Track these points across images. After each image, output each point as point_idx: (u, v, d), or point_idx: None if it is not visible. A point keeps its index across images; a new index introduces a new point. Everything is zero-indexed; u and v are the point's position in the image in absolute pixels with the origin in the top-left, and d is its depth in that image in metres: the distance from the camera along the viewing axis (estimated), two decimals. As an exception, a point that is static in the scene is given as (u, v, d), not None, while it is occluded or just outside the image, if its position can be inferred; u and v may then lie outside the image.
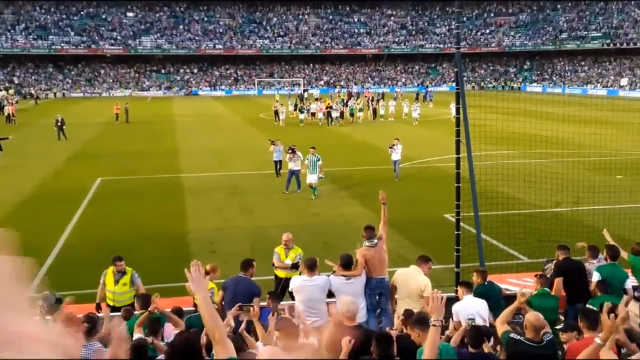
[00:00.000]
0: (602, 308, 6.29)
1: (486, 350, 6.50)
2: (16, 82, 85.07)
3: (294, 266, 11.00)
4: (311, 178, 21.29)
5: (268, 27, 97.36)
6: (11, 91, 77.14)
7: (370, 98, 55.12)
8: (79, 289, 11.53)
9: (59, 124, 37.79)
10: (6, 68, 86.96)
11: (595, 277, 9.05)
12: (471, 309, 7.87)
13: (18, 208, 20.88)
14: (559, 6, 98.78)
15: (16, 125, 46.10)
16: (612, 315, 5.56)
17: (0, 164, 27.69)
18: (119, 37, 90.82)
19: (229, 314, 7.24)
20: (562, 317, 8.65)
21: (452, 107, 40.56)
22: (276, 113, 45.40)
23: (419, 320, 6.16)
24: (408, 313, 7.61)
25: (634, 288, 9.62)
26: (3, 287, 1.11)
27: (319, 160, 21.34)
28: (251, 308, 7.32)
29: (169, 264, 13.71)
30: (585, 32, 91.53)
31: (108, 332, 6.34)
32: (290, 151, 22.33)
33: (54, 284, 13.72)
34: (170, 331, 7.93)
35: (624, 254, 10.00)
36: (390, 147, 24.26)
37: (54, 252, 16.03)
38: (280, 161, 24.27)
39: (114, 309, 10.07)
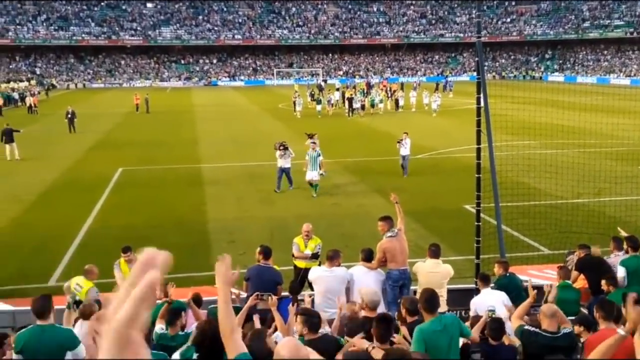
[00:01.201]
0: (625, 299, 6.21)
1: (507, 342, 6.46)
2: (38, 72, 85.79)
3: (314, 256, 11.01)
4: (311, 175, 20.24)
5: (287, 17, 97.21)
6: (33, 82, 77.81)
7: (390, 89, 54.82)
8: (101, 276, 11.62)
9: (69, 115, 36.89)
10: (28, 59, 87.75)
11: (621, 272, 8.87)
12: (490, 301, 7.83)
13: (42, 196, 21.14)
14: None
15: (38, 116, 46.50)
16: (637, 306, 5.48)
17: (17, 157, 27.83)
18: (138, 28, 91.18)
19: (247, 305, 7.24)
20: (584, 310, 8.56)
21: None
22: (295, 104, 44.78)
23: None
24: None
25: None
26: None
27: (319, 155, 20.31)
28: (269, 297, 7.31)
29: (189, 253, 13.79)
30: (608, 21, 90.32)
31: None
32: (281, 147, 20.77)
33: (77, 271, 13.89)
34: (192, 321, 7.96)
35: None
36: (399, 142, 23.33)
37: (77, 239, 16.23)
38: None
39: None
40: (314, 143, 21.16)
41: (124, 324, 1.20)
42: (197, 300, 8.63)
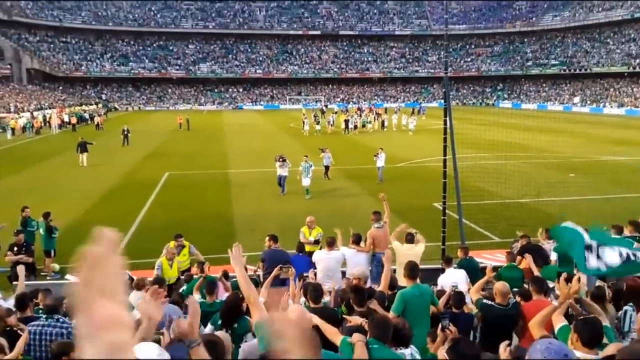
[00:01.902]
0: (559, 277, 6.19)
1: (466, 311, 6.45)
2: (104, 98, 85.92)
3: (316, 242, 11.00)
4: (305, 182, 19.94)
5: (297, 56, 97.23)
6: (100, 105, 77.96)
7: (377, 112, 54.76)
8: (151, 257, 11.61)
9: (125, 132, 36.75)
10: (96, 88, 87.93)
11: (554, 256, 8.89)
12: (453, 279, 7.81)
13: (105, 195, 21.17)
14: (525, 40, 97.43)
15: (103, 131, 46.63)
16: (567, 283, 5.48)
17: (86, 164, 27.87)
18: (182, 64, 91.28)
19: (272, 274, 7.26)
20: (526, 286, 8.52)
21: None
22: (303, 124, 44.13)
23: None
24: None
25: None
26: (108, 279, 1.02)
27: (311, 166, 20.19)
28: (289, 269, 7.39)
29: (220, 239, 13.78)
30: (547, 60, 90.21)
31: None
32: (280, 160, 20.66)
33: (133, 253, 13.90)
34: (222, 292, 7.96)
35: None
36: (375, 155, 22.95)
37: (132, 228, 16.23)
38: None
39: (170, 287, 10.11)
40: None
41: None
42: (226, 276, 8.67)
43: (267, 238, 9.44)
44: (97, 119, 51.68)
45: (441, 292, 7.24)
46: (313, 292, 5.70)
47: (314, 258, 9.19)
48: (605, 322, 4.57)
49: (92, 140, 30.12)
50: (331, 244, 9.12)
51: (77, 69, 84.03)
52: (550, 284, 7.23)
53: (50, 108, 62.62)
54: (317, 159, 23.16)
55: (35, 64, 76.44)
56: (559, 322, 4.54)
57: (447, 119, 10.97)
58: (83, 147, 28.10)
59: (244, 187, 22.12)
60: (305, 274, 8.09)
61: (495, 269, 8.20)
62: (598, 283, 6.98)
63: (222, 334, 4.79)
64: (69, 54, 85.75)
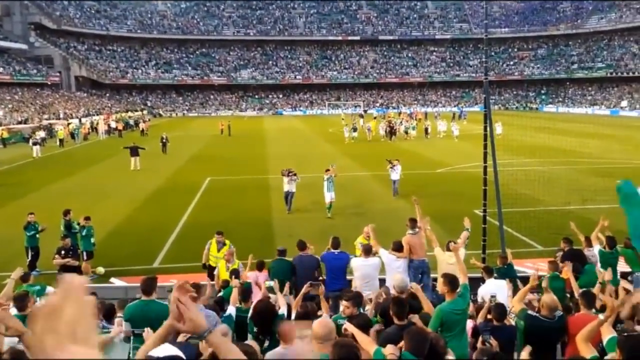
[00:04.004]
0: (605, 290, 5.99)
1: (508, 323, 6.29)
2: (149, 104, 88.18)
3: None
4: (328, 196, 18.01)
5: (336, 62, 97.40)
6: (145, 112, 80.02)
7: (417, 118, 53.38)
8: (195, 261, 11.81)
9: (163, 140, 36.30)
10: (141, 94, 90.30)
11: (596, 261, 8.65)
12: (493, 290, 7.64)
13: (151, 196, 21.74)
14: (570, 43, 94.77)
15: (148, 137, 47.72)
16: (613, 298, 5.30)
17: (139, 167, 28.75)
18: (224, 71, 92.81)
19: (302, 291, 7.21)
20: (568, 296, 8.26)
21: (498, 125, 38.52)
22: (354, 129, 42.09)
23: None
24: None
25: (625, 274, 9.26)
26: (78, 324, 1.03)
27: (332, 181, 18.09)
28: (320, 287, 7.36)
29: (258, 243, 13.91)
30: (593, 64, 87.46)
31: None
32: (289, 174, 18.55)
33: (176, 256, 14.18)
34: (257, 293, 8.04)
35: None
36: (391, 168, 21.01)
37: (176, 231, 16.57)
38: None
39: (213, 268, 10.56)
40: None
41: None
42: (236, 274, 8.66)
43: (297, 244, 9.64)
44: (142, 125, 53.03)
45: (481, 306, 7.08)
46: (354, 298, 5.68)
47: (352, 265, 9.16)
48: None
49: (143, 146, 30.90)
50: (368, 251, 9.07)
51: (123, 76, 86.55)
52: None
53: (97, 115, 64.71)
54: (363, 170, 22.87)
55: (84, 72, 79.19)
56: (608, 333, 4.39)
57: (487, 124, 10.77)
58: (134, 151, 29.02)
59: (283, 193, 22.18)
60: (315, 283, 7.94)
61: (539, 277, 7.98)
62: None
63: (251, 342, 4.82)
64: (116, 62, 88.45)
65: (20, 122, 52.82)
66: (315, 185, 22.99)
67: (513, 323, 6.31)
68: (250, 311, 5.92)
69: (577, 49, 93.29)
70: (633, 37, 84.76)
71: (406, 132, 43.55)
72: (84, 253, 12.66)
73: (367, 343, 4.39)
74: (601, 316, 5.29)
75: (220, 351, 2.08)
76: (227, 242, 10.98)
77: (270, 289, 7.95)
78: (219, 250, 10.86)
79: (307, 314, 5.60)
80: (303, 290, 7.13)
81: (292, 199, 18.76)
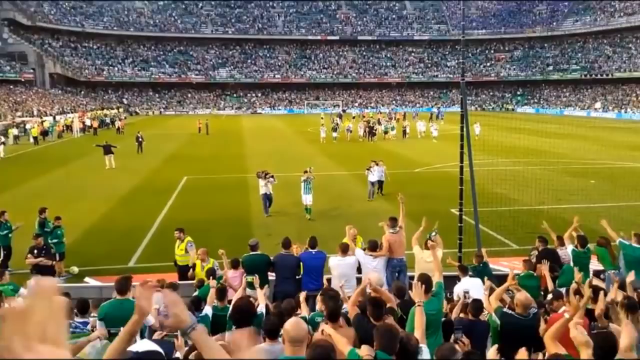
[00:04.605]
0: (569, 290, 6.12)
1: (482, 319, 6.37)
2: (125, 102, 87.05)
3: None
4: (306, 199, 17.63)
5: (315, 61, 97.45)
6: (121, 110, 78.98)
7: (396, 119, 53.48)
8: (170, 261, 11.72)
9: (139, 139, 35.37)
10: (117, 92, 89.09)
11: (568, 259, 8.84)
12: (467, 287, 7.74)
13: (126, 195, 21.45)
14: (546, 45, 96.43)
15: (124, 135, 47.12)
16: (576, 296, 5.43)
17: (114, 166, 28.38)
18: (202, 69, 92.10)
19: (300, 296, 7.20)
20: (542, 293, 8.40)
21: (476, 126, 38.70)
22: (334, 129, 42.33)
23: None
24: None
25: (597, 272, 9.44)
26: (49, 326, 1.05)
27: (309, 183, 17.75)
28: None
29: (237, 242, 13.80)
30: (567, 66, 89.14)
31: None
32: (266, 176, 17.93)
33: (152, 255, 14.04)
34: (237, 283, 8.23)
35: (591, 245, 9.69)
36: (367, 169, 20.49)
37: (151, 230, 16.38)
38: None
39: (180, 267, 11.17)
40: (377, 167, 19.41)
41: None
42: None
43: (281, 242, 9.58)
44: (118, 123, 52.33)
45: (457, 302, 7.17)
46: (330, 300, 5.68)
47: (330, 264, 9.17)
48: (634, 334, 4.44)
49: (115, 144, 30.45)
50: (345, 249, 9.09)
51: (99, 74, 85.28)
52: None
53: (72, 112, 63.62)
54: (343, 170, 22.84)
55: (58, 69, 77.78)
56: (575, 331, 4.46)
57: (464, 125, 10.89)
58: (107, 149, 28.62)
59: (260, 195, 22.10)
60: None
61: (514, 277, 8.11)
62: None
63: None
64: (91, 59, 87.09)
65: (-8, 120, 51.60)
66: (295, 184, 22.85)
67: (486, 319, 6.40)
68: (230, 309, 5.89)
69: (553, 51, 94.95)
70: (607, 40, 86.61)
71: (385, 133, 43.61)
72: (57, 254, 12.42)
73: (342, 344, 4.40)
74: (567, 315, 5.41)
75: (203, 348, 2.11)
76: (187, 238, 11.13)
77: (250, 285, 7.95)
78: (177, 247, 11.27)
79: (282, 314, 5.58)
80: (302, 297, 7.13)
81: (270, 201, 18.14)
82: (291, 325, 3.71)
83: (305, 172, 18.13)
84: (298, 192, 18.92)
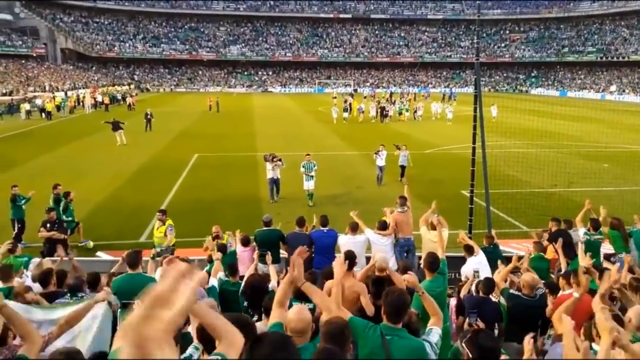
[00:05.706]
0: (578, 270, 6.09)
1: (494, 298, 6.37)
2: (136, 79, 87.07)
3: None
4: (307, 185, 16.97)
5: (327, 40, 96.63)
6: (132, 86, 79.04)
7: (409, 99, 52.89)
8: (181, 237, 11.80)
9: (148, 116, 34.66)
10: (129, 68, 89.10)
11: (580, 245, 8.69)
12: (475, 267, 7.74)
13: (135, 174, 21.54)
14: (561, 26, 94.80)
15: (135, 112, 47.15)
16: (586, 275, 5.42)
17: (125, 142, 28.52)
18: (213, 46, 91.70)
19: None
20: (552, 276, 8.38)
21: (493, 108, 38.12)
22: (345, 110, 41.26)
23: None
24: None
25: (608, 255, 9.37)
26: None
27: (314, 166, 17.11)
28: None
29: (245, 221, 13.86)
30: (583, 47, 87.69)
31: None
32: (273, 159, 17.07)
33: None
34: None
35: (604, 228, 9.60)
36: (375, 153, 19.47)
37: (163, 206, 16.41)
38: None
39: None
40: (400, 151, 18.93)
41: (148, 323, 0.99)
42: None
43: (296, 221, 9.61)
44: (129, 100, 52.40)
45: (465, 282, 7.18)
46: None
47: (339, 242, 9.19)
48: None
49: (123, 121, 30.54)
50: (355, 228, 9.10)
51: (110, 50, 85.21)
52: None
53: (83, 88, 63.78)
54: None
55: (70, 44, 77.79)
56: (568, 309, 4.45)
57: (477, 106, 10.78)
58: (116, 126, 28.69)
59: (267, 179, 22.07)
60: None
61: (520, 258, 8.09)
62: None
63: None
64: (102, 35, 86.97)
65: (4, 94, 51.92)
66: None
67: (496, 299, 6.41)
68: (242, 285, 5.92)
69: (568, 32, 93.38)
70: (624, 22, 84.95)
71: (400, 114, 43.10)
72: (68, 230, 12.56)
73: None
74: (576, 294, 5.41)
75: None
76: (168, 221, 10.86)
77: (262, 260, 8.00)
78: (157, 229, 10.89)
79: (253, 287, 5.43)
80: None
81: (278, 186, 17.45)
82: (294, 314, 3.36)
83: (308, 155, 17.71)
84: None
